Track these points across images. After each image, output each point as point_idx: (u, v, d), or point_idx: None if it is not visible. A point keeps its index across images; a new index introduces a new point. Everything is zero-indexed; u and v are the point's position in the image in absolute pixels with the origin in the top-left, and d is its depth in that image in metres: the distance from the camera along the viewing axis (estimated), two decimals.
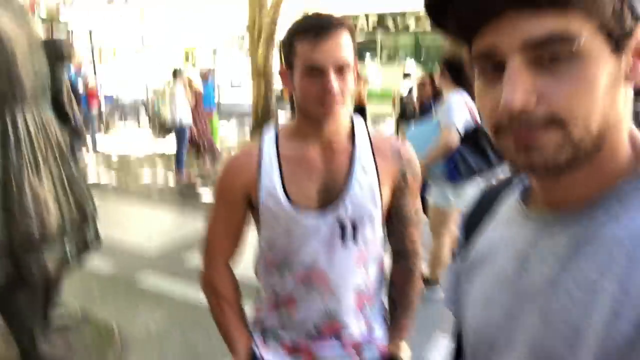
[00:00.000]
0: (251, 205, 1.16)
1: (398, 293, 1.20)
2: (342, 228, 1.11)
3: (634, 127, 0.56)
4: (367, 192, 1.12)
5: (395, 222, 1.19)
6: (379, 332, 1.17)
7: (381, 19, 13.94)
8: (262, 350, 1.16)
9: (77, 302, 2.61)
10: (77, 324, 2.36)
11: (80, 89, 8.03)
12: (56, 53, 1.84)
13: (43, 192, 1.78)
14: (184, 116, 6.07)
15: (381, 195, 1.13)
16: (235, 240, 1.20)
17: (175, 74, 6.20)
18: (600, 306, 0.48)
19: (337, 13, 1.14)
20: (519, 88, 0.49)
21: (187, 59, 13.79)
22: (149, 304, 2.83)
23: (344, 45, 1.04)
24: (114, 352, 2.25)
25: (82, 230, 1.96)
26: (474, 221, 0.73)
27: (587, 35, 0.48)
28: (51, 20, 11.15)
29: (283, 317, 1.15)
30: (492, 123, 0.52)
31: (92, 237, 2.05)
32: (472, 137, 2.64)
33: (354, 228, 1.12)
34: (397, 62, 13.29)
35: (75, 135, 1.98)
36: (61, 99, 1.90)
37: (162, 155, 7.60)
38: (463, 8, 0.51)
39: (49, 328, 2.16)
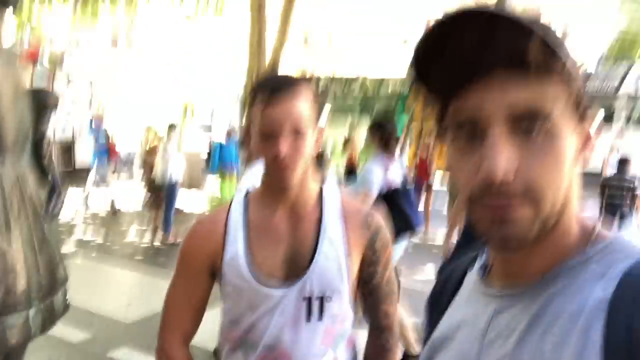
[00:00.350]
0: (215, 277, 1.10)
1: None
2: (308, 304, 1.05)
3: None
4: (333, 265, 1.06)
5: (366, 295, 1.13)
6: None
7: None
8: None
9: None
10: None
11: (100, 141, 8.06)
12: (41, 102, 1.74)
13: (11, 255, 1.61)
14: (175, 173, 5.95)
15: (348, 268, 1.07)
16: (194, 314, 1.13)
17: (170, 128, 6.15)
18: None
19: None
20: (501, 158, 0.49)
21: (185, 113, 13.94)
22: None
23: (296, 109, 1.00)
24: None
25: (50, 297, 1.78)
26: (437, 301, 0.72)
27: (557, 112, 0.50)
28: (53, 69, 11.31)
29: None
30: (467, 191, 0.52)
31: (60, 305, 1.86)
32: (390, 198, 2.80)
33: (321, 304, 1.06)
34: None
35: (53, 193, 1.84)
36: (42, 151, 1.77)
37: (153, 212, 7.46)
38: (453, 62, 0.51)
39: None
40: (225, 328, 1.11)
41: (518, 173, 0.50)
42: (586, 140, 0.55)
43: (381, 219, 1.13)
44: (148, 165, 6.49)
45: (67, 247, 5.48)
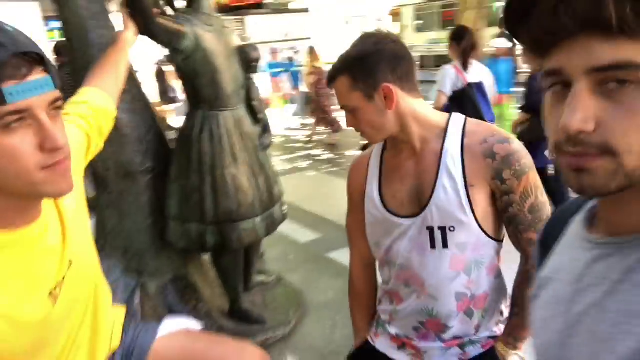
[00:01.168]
0: None
1: (514, 293, 1.18)
2: (431, 233, 1.13)
3: None
4: (453, 198, 1.10)
5: (507, 224, 1.13)
6: (487, 333, 1.18)
7: None
8: (375, 339, 1.29)
9: (276, 267, 3.08)
10: (273, 285, 2.79)
11: None
12: (247, 57, 2.17)
13: (239, 177, 2.16)
14: None
15: (470, 199, 1.10)
16: (364, 234, 1.29)
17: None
18: (634, 334, 0.49)
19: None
20: (578, 111, 0.50)
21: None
22: (331, 274, 3.14)
23: (340, 93, 1.13)
24: (295, 313, 2.61)
25: (269, 209, 2.31)
26: (548, 241, 0.73)
27: None
28: None
29: (391, 311, 1.24)
30: (552, 141, 0.54)
31: (279, 215, 2.39)
32: (459, 97, 3.23)
33: (443, 234, 1.12)
34: None
35: (264, 130, 2.32)
36: (252, 96, 2.24)
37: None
38: (538, 27, 0.53)
39: (250, 285, 2.64)
40: (372, 248, 1.28)
41: (599, 125, 0.50)
42: None
43: (514, 147, 1.09)
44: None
45: (302, 163, 6.47)
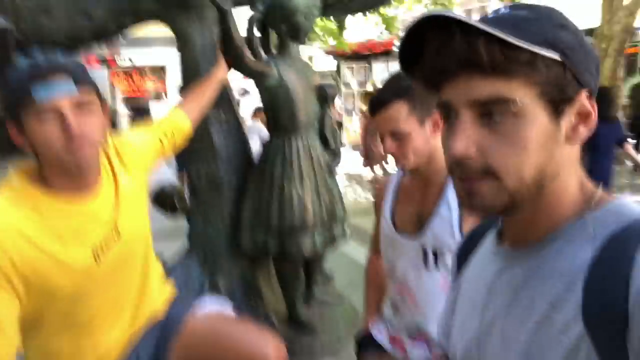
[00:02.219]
0: None
1: None
2: (425, 255, 1.28)
3: (584, 176, 0.62)
4: (446, 226, 1.25)
5: None
6: None
7: None
8: (375, 329, 1.46)
9: (339, 284, 3.26)
10: (334, 302, 2.99)
11: None
12: (323, 93, 2.51)
13: (303, 196, 2.46)
14: None
15: (460, 229, 1.24)
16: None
17: None
18: (532, 321, 0.56)
19: None
20: (460, 139, 0.56)
21: None
22: None
23: (395, 118, 1.23)
24: (351, 332, 2.77)
25: (330, 227, 2.56)
26: (463, 255, 0.81)
27: (526, 100, 0.55)
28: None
29: (392, 314, 1.42)
30: (447, 165, 0.61)
31: (340, 233, 2.62)
32: None
33: (435, 256, 1.27)
34: None
35: (333, 156, 2.62)
36: (324, 126, 2.56)
37: None
38: (427, 67, 0.60)
39: (311, 298, 2.87)
40: (383, 262, 1.46)
41: (480, 152, 0.56)
42: (580, 119, 0.58)
43: None
44: None
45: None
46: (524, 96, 0.54)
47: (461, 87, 0.57)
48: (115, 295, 1.31)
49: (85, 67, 1.18)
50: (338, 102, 8.94)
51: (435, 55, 0.58)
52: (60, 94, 1.09)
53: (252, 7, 2.42)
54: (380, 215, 1.48)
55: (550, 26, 0.56)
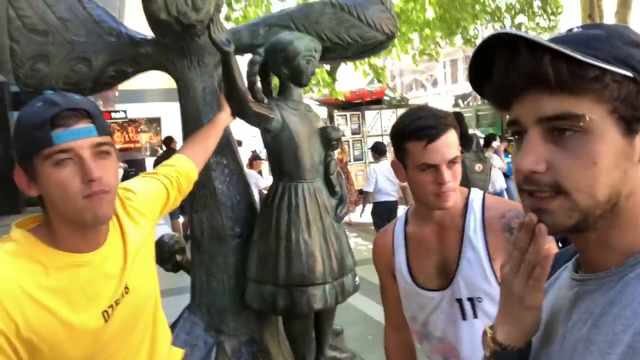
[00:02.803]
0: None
1: None
2: (461, 305, 1.17)
3: None
4: (477, 270, 1.15)
5: None
6: None
7: None
8: None
9: (354, 346, 3.08)
10: (345, 359, 2.79)
11: None
12: (327, 137, 2.42)
13: (312, 244, 2.33)
14: None
15: (494, 271, 1.13)
16: (394, 305, 1.35)
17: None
18: (615, 353, 0.53)
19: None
20: (529, 154, 0.57)
21: None
22: None
23: (453, 144, 1.13)
24: None
25: (340, 278, 2.41)
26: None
27: (595, 116, 0.55)
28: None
29: None
30: (516, 183, 0.61)
31: (350, 285, 2.47)
32: None
33: (472, 304, 1.16)
34: None
35: (340, 202, 2.50)
36: (330, 171, 2.46)
37: None
38: (496, 85, 0.62)
39: (322, 357, 2.68)
40: (409, 322, 1.32)
41: (549, 167, 0.56)
42: None
43: None
44: None
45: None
46: (593, 112, 0.54)
47: (529, 104, 0.58)
48: (124, 358, 1.22)
49: (101, 110, 1.12)
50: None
51: (503, 72, 0.59)
52: (81, 136, 1.04)
53: (253, 52, 2.38)
54: (386, 278, 1.34)
55: (622, 44, 0.56)
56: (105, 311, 1.13)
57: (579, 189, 0.55)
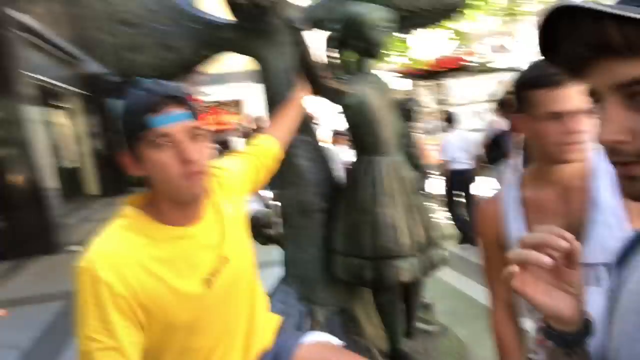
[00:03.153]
0: (505, 249, 1.24)
1: None
2: (594, 271, 1.09)
3: None
4: (612, 233, 1.06)
5: None
6: None
7: None
8: None
9: (444, 320, 3.04)
10: (438, 336, 2.77)
11: None
12: (406, 109, 2.38)
13: (396, 217, 2.31)
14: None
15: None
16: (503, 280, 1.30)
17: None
18: None
19: None
20: (608, 125, 0.56)
21: None
22: None
23: (575, 95, 1.07)
24: None
25: (427, 251, 2.38)
26: (627, 256, 0.74)
27: None
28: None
29: None
30: (604, 154, 0.59)
31: (438, 258, 2.44)
32: None
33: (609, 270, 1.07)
34: None
35: (422, 175, 2.45)
36: (409, 143, 2.42)
37: None
38: (564, 55, 0.60)
39: (412, 330, 2.68)
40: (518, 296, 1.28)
41: (633, 135, 0.54)
42: None
43: None
44: None
45: None
46: None
47: (602, 72, 0.55)
48: (227, 324, 1.31)
49: (192, 97, 1.23)
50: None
51: (569, 44, 0.57)
52: (176, 122, 1.13)
53: (329, 27, 2.37)
54: (493, 251, 1.26)
55: None
56: (207, 279, 1.23)
57: None
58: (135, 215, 1.19)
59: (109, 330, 1.06)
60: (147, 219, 1.19)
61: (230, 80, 14.60)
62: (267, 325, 1.50)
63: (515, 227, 1.20)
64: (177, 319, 1.19)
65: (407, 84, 11.83)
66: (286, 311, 2.52)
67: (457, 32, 9.16)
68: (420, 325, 2.73)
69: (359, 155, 2.41)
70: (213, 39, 2.36)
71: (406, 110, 2.37)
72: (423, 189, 2.44)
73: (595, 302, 1.07)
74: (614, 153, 0.56)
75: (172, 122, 1.13)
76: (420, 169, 2.45)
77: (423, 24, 2.68)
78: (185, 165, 1.13)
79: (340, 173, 2.58)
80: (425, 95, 10.61)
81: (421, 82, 11.13)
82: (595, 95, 0.58)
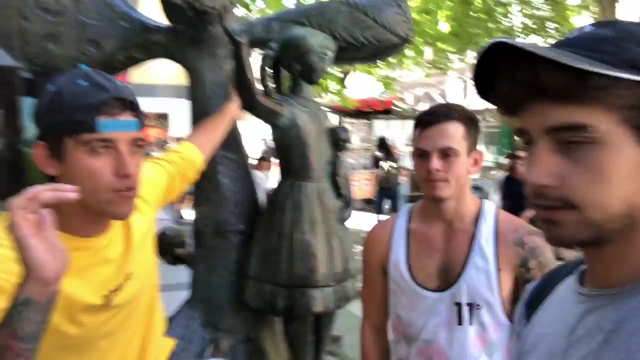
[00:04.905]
0: (386, 274, 1.32)
1: None
2: (459, 309, 1.16)
3: None
4: (482, 278, 1.15)
5: None
6: None
7: None
8: None
9: (353, 354, 3.00)
10: None
11: None
12: (336, 137, 2.37)
13: (315, 245, 2.27)
14: None
15: (499, 281, 1.14)
16: (377, 304, 1.35)
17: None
18: None
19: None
20: (538, 167, 0.55)
21: None
22: None
23: (452, 135, 1.15)
24: None
25: (342, 282, 2.35)
26: (535, 301, 0.74)
27: (605, 126, 0.51)
28: None
29: None
30: (528, 195, 0.59)
31: (351, 290, 2.41)
32: None
33: (471, 311, 1.15)
34: None
35: (346, 205, 2.45)
36: (337, 172, 2.41)
37: None
38: (501, 94, 0.60)
39: None
40: (391, 320, 1.31)
41: (560, 180, 0.54)
42: None
43: (541, 241, 1.15)
44: None
45: None
46: (602, 122, 0.51)
47: (535, 114, 0.55)
48: (120, 345, 1.20)
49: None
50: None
51: (505, 83, 0.57)
52: (123, 129, 1.01)
53: (265, 46, 2.34)
54: (375, 273, 1.33)
55: (633, 45, 0.51)
56: (106, 295, 1.11)
57: (590, 204, 0.53)
58: None
59: None
60: None
61: (157, 93, 14.11)
62: (161, 350, 1.38)
63: (397, 255, 1.26)
64: (68, 332, 1.06)
65: (335, 120, 12.16)
66: (188, 337, 2.36)
67: (388, 78, 9.59)
68: (328, 358, 2.66)
69: (284, 178, 2.36)
70: (142, 40, 2.23)
71: (337, 139, 2.36)
72: (345, 219, 2.42)
73: (458, 339, 1.14)
74: (539, 196, 0.55)
75: (119, 129, 1.00)
76: (345, 199, 2.43)
77: (361, 59, 2.73)
78: (120, 180, 1.01)
79: (262, 197, 2.50)
80: (352, 132, 10.92)
81: (349, 120, 11.47)
82: (526, 136, 0.58)
